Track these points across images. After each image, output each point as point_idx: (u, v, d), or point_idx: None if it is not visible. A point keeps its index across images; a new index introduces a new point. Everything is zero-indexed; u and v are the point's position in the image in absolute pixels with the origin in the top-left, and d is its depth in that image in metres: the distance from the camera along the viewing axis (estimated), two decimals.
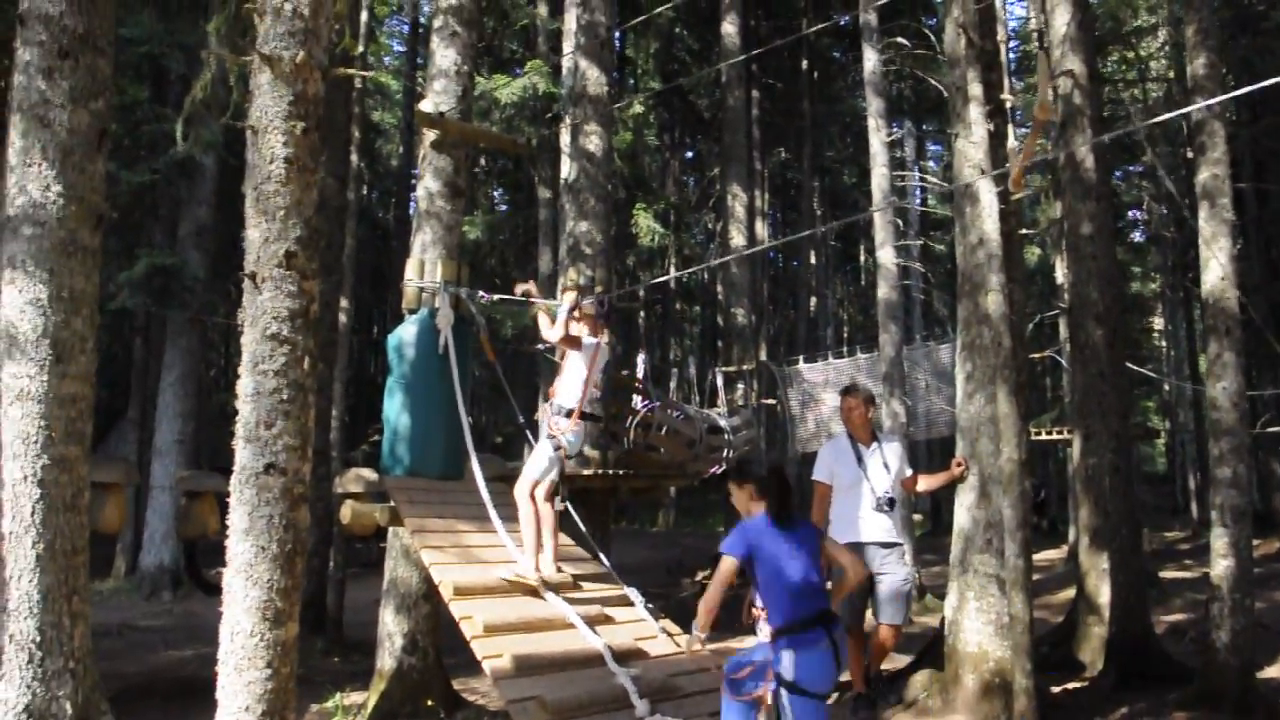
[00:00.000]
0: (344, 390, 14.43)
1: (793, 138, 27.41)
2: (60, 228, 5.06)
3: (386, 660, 7.20)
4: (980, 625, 6.22)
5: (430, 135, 7.62)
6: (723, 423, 16.33)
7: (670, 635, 5.78)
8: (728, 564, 4.10)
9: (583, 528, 6.78)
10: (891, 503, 6.13)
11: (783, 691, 4.02)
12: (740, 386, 18.45)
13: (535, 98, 16.83)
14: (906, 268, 19.27)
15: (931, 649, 6.82)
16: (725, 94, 19.88)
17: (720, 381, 17.29)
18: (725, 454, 15.65)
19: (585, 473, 10.39)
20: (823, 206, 33.33)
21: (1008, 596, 5.73)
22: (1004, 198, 6.41)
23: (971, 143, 6.50)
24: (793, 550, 4.11)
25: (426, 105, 7.63)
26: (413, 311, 7.19)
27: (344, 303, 13.60)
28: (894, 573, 6.06)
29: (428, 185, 7.63)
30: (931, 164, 27.96)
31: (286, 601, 3.19)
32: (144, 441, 17.24)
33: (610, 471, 10.69)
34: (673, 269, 32.20)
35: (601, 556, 6.81)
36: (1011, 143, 6.53)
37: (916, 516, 25.19)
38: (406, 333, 7.01)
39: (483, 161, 24.50)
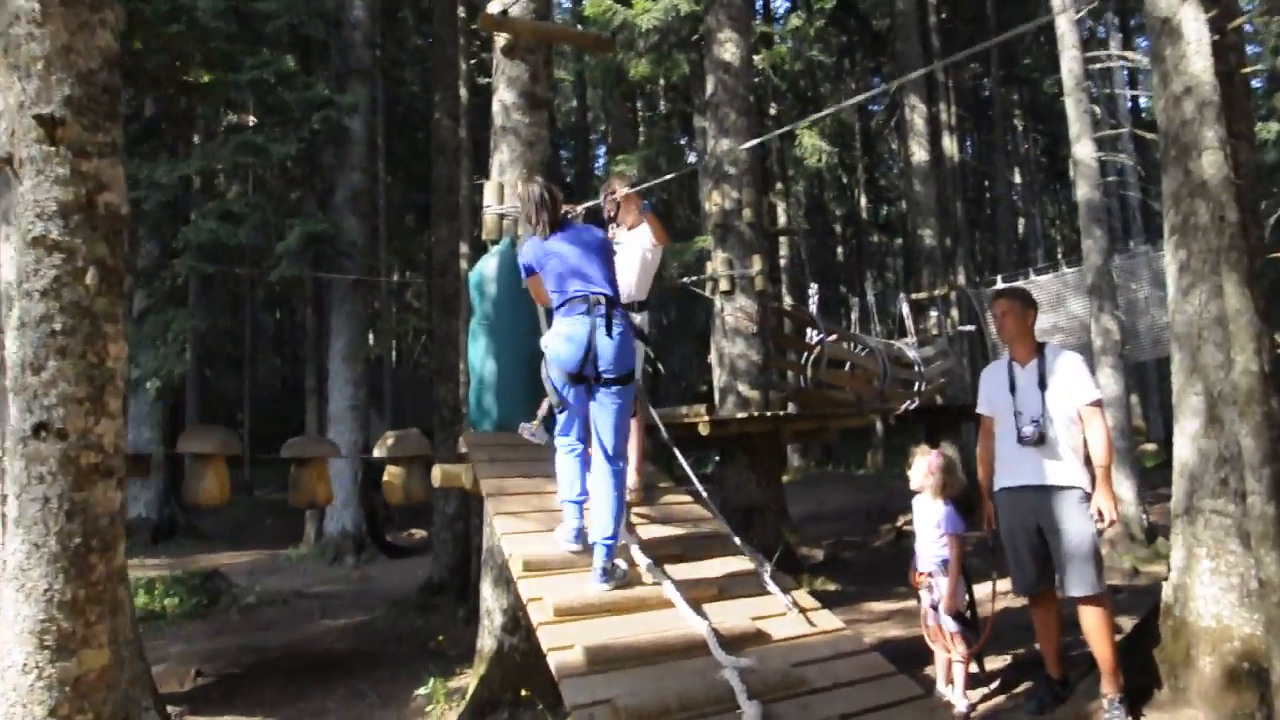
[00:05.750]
0: None
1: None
2: None
3: (486, 640, 6.37)
4: (1216, 592, 4.69)
5: (501, 40, 6.62)
6: (911, 354, 14.85)
7: (803, 611, 4.64)
8: (532, 280, 4.87)
9: (693, 477, 5.65)
10: (1040, 436, 4.73)
11: (552, 378, 4.63)
12: (933, 314, 16.99)
13: (679, 19, 15.62)
14: (1114, 165, 16.97)
15: (1152, 618, 5.30)
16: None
17: (907, 310, 15.84)
18: (916, 388, 14.23)
19: (740, 415, 9.31)
20: (1025, 121, 30.84)
21: (1254, 554, 4.21)
22: (1218, 25, 4.81)
23: None
24: (568, 248, 4.69)
25: (494, 6, 6.60)
26: (494, 242, 6.26)
27: (464, 249, 12.94)
28: (1067, 528, 4.68)
29: (502, 97, 6.59)
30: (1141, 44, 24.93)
31: (78, 621, 2.21)
32: (322, 410, 17.43)
33: (769, 414, 9.54)
34: (862, 196, 30.47)
35: (717, 515, 5.64)
36: None
37: (1150, 446, 22.63)
38: (487, 267, 6.07)
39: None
